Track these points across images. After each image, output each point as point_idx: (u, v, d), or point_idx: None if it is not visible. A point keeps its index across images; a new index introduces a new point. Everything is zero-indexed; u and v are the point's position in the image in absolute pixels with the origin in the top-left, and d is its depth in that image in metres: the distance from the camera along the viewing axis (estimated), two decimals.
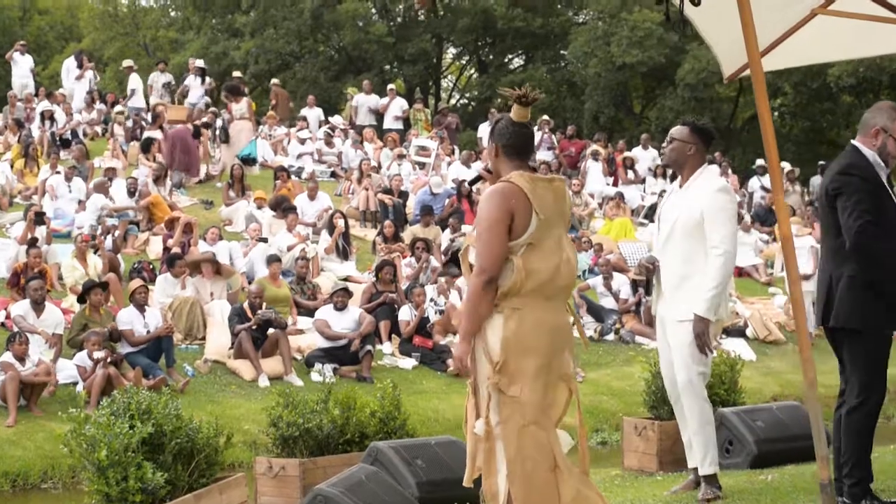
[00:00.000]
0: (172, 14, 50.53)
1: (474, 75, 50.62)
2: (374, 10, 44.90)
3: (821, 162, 30.86)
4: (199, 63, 31.37)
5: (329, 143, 28.11)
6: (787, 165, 29.16)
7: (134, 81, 29.56)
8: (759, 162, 29.73)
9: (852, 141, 6.90)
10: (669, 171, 27.53)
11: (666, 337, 7.65)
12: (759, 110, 6.97)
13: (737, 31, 7.61)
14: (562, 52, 44.53)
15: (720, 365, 10.42)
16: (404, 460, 7.87)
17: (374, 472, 7.34)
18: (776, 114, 43.06)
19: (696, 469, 7.69)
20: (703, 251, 7.37)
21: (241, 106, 24.44)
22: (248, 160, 24.57)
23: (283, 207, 20.87)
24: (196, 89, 29.86)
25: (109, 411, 6.92)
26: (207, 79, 30.31)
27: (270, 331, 15.99)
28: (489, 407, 5.71)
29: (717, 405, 9.60)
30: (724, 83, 8.69)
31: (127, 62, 31.68)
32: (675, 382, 7.62)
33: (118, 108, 28.57)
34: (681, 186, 7.68)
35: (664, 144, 7.84)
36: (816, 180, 29.09)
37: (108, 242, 18.58)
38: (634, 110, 44.61)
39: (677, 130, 7.71)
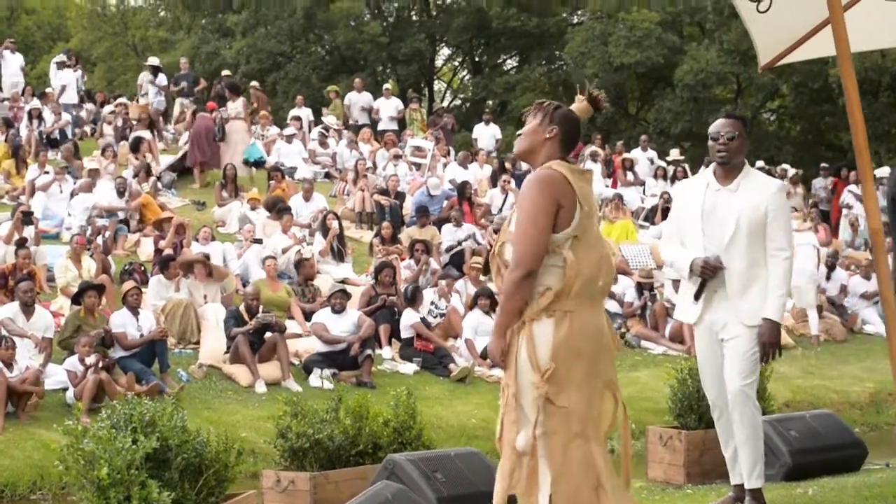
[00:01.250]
0: (162, 14, 49.95)
1: (467, 76, 50.17)
2: (366, 10, 44.37)
3: (823, 164, 30.43)
4: (153, 61, 30.82)
5: (323, 144, 27.61)
6: (787, 167, 28.77)
7: (64, 77, 28.70)
8: (759, 164, 29.25)
9: None
10: (671, 173, 27.20)
11: (714, 345, 7.16)
12: (849, 109, 6.78)
13: (780, 19, 7.16)
14: (557, 52, 44.09)
15: None
16: (423, 474, 7.32)
17: (400, 490, 6.79)
18: (773, 116, 42.74)
19: (738, 486, 7.20)
20: (765, 253, 7.03)
21: (237, 105, 23.88)
22: (258, 163, 24.01)
23: (278, 208, 20.33)
24: (150, 87, 29.38)
25: (109, 423, 6.30)
26: (161, 75, 29.71)
27: (267, 335, 15.45)
28: (538, 419, 5.31)
29: None
30: (759, 72, 8.18)
31: (59, 57, 30.76)
32: (723, 393, 7.14)
33: (108, 108, 28.11)
34: (722, 184, 7.17)
35: (717, 141, 7.20)
36: (819, 182, 28.70)
37: (99, 243, 17.99)
38: (630, 111, 44.14)
39: (736, 125, 7.25)
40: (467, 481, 7.60)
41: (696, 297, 7.12)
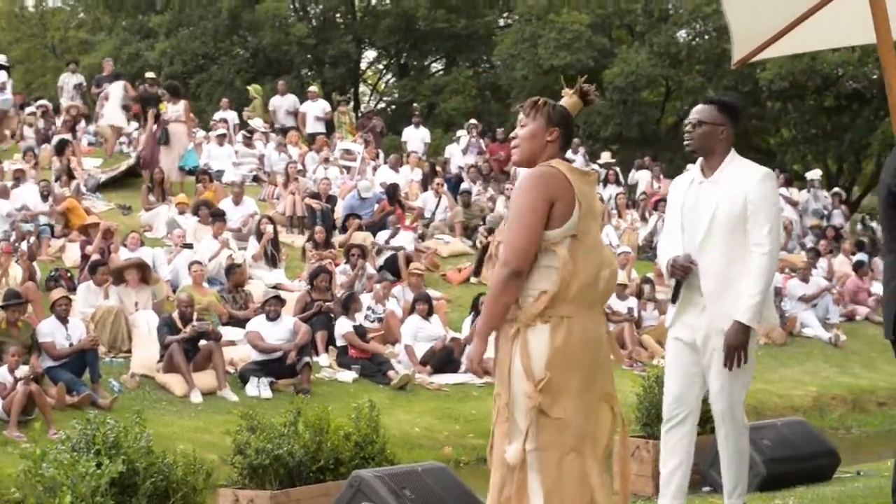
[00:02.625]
0: (82, 15, 49.01)
1: (391, 79, 49.77)
2: (291, 12, 43.82)
3: None
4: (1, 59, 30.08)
5: (249, 146, 27.08)
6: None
7: None
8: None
9: None
10: (602, 176, 26.98)
11: (685, 352, 6.60)
12: (891, 105, 6.49)
13: (761, 16, 6.86)
14: (484, 55, 43.82)
15: None
16: (392, 491, 6.87)
17: None
18: None
19: None
20: (745, 250, 6.43)
21: (178, 108, 23.23)
22: (194, 171, 23.34)
23: (211, 213, 19.77)
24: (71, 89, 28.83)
25: (70, 446, 5.79)
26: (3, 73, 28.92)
27: (202, 343, 14.93)
28: (528, 431, 4.98)
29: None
30: (733, 68, 7.83)
31: None
32: (683, 404, 6.60)
33: (29, 109, 27.39)
34: (706, 176, 6.61)
35: (687, 128, 6.76)
36: None
37: (24, 249, 17.36)
38: None
39: (704, 111, 6.66)
40: (437, 497, 7.17)
41: (673, 299, 6.69)
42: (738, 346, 6.33)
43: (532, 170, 5.15)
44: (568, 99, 5.30)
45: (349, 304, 16.57)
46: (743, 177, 6.48)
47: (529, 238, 5.00)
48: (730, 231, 6.44)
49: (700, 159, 6.70)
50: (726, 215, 6.44)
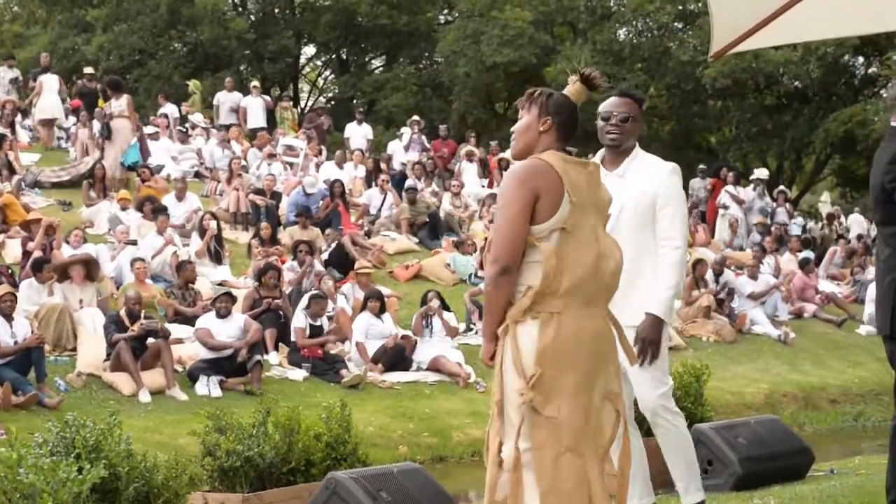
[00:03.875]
0: (15, 8, 48.23)
1: (330, 75, 49.42)
2: (230, 6, 43.42)
3: (702, 166, 30.28)
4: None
5: (185, 141, 26.70)
6: None
7: None
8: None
9: (892, 122, 5.90)
10: None
11: None
12: None
13: (744, 5, 6.71)
14: (426, 52, 43.62)
15: (684, 376, 9.44)
16: (368, 493, 6.63)
17: None
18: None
19: None
20: (654, 245, 6.32)
21: (121, 102, 22.77)
22: (135, 167, 22.84)
23: (154, 208, 19.40)
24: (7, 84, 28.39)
25: (48, 450, 5.47)
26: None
27: (150, 341, 14.58)
28: (520, 429, 4.80)
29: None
30: (710, 60, 7.64)
31: None
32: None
33: None
34: (608, 169, 6.36)
35: (608, 122, 6.48)
36: (697, 183, 28.57)
37: None
38: (498, 111, 43.83)
39: (628, 106, 6.44)
40: (412, 499, 6.95)
41: None
42: (652, 339, 6.22)
43: (517, 163, 5.00)
44: (570, 87, 5.11)
45: (311, 306, 16.26)
46: (650, 172, 6.38)
47: (514, 234, 4.84)
48: (638, 226, 6.31)
49: (603, 152, 6.52)
50: (633, 209, 6.30)
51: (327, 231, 20.63)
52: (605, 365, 4.95)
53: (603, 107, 6.49)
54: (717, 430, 8.68)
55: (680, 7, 38.20)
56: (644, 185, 6.29)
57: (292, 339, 16.27)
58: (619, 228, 6.15)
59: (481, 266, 19.47)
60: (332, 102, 45.29)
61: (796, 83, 36.83)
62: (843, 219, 31.54)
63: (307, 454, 7.90)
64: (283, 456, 7.78)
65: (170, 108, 29.08)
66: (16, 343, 13.61)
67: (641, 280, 6.22)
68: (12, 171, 21.81)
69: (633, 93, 6.65)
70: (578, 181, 4.91)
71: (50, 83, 27.51)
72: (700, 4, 38.64)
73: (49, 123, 27.44)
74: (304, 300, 16.52)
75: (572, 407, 4.80)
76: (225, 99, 29.40)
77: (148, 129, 26.25)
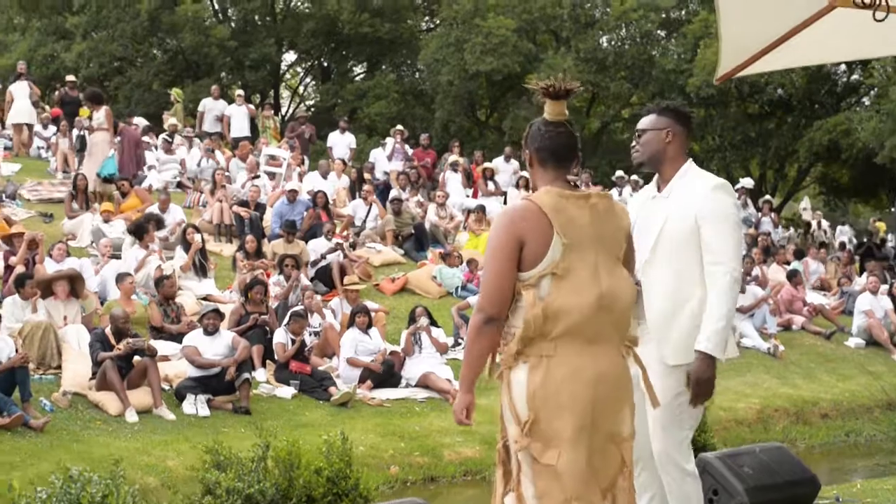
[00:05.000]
0: None
1: (311, 83, 49.16)
2: (211, 13, 43.14)
3: None
4: None
5: (168, 151, 26.42)
6: (635, 177, 28.56)
7: None
8: (619, 173, 28.99)
9: None
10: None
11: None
12: None
13: (754, 28, 6.56)
14: (408, 59, 43.42)
15: None
16: None
17: None
18: (621, 125, 42.61)
19: None
20: (699, 272, 5.75)
21: (100, 115, 22.48)
22: (110, 179, 22.50)
23: (143, 220, 19.15)
24: None
25: None
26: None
27: (136, 359, 14.32)
28: (520, 477, 4.72)
29: None
30: (716, 83, 7.46)
31: None
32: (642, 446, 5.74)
33: None
34: (659, 190, 6.03)
35: (633, 143, 6.26)
36: None
37: None
38: (480, 119, 43.65)
39: (645, 120, 6.09)
40: None
41: None
42: (706, 379, 5.68)
43: (505, 207, 4.93)
44: (546, 108, 4.98)
45: (291, 323, 16.03)
46: (693, 190, 5.89)
47: (498, 283, 4.75)
48: (677, 251, 5.81)
49: (657, 174, 6.14)
50: (672, 232, 5.84)
51: (312, 242, 20.40)
52: (612, 407, 4.78)
53: None
54: (722, 459, 8.47)
55: (663, 15, 38.13)
56: (684, 206, 5.83)
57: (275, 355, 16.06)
58: (658, 256, 5.83)
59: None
60: (314, 110, 45.07)
61: (780, 92, 36.76)
62: (824, 225, 31.52)
63: (308, 490, 7.70)
64: (284, 492, 7.58)
65: (138, 120, 28.81)
66: None
67: (684, 312, 5.74)
68: None
69: (662, 105, 6.24)
70: (576, 218, 4.77)
71: (20, 90, 27.26)
72: (683, 13, 38.62)
73: (20, 128, 27.18)
74: (287, 316, 16.32)
75: (572, 452, 4.67)
76: (211, 107, 29.20)
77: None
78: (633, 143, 6.14)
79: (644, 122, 6.11)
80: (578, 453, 4.66)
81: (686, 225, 5.80)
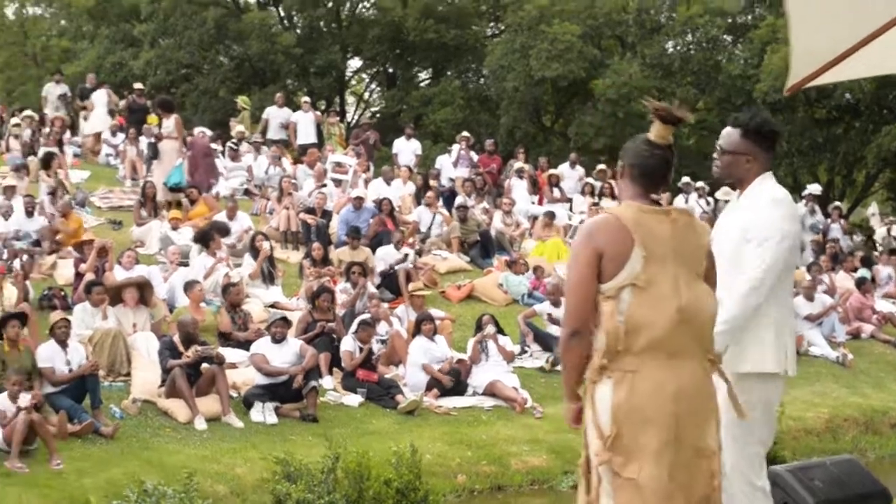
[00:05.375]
0: (63, 23, 48.33)
1: (377, 89, 49.27)
2: (277, 21, 43.37)
3: None
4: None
5: (234, 158, 26.56)
6: (701, 183, 28.39)
7: None
8: (685, 179, 28.80)
9: None
10: (598, 189, 26.57)
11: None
12: None
13: (825, 36, 6.46)
14: (473, 65, 43.41)
15: None
16: None
17: None
18: (687, 130, 42.33)
19: None
20: None
21: (170, 123, 22.64)
22: (177, 188, 22.64)
23: (209, 228, 19.26)
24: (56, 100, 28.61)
25: None
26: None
27: (204, 366, 14.40)
28: (600, 490, 4.71)
29: None
30: (786, 94, 7.37)
31: None
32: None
33: (15, 120, 26.88)
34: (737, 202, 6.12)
35: (715, 154, 6.25)
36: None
37: (18, 268, 16.78)
38: (545, 125, 43.56)
39: (727, 138, 6.06)
40: None
41: None
42: None
43: (586, 221, 4.97)
44: (652, 127, 4.96)
45: (359, 331, 16.07)
46: (752, 203, 5.93)
47: (580, 296, 4.80)
48: (729, 260, 5.78)
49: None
50: (726, 242, 5.86)
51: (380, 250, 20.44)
52: (696, 420, 4.77)
53: None
54: (792, 473, 8.39)
55: (730, 20, 37.86)
56: (739, 219, 5.91)
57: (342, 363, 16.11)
58: (720, 264, 5.58)
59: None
60: (379, 116, 45.18)
61: (848, 96, 36.38)
62: (894, 231, 31.12)
63: (378, 501, 7.73)
64: (354, 503, 7.60)
65: (202, 129, 29.02)
66: (70, 370, 13.48)
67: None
68: (67, 191, 21.73)
69: (742, 121, 6.15)
70: (658, 232, 4.79)
71: (99, 99, 27.61)
72: (749, 18, 38.33)
73: (99, 137, 27.58)
74: (355, 324, 16.36)
75: (655, 467, 4.66)
76: (275, 114, 29.31)
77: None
78: (715, 156, 6.16)
79: (727, 141, 6.10)
80: (661, 468, 4.66)
81: (732, 239, 5.88)
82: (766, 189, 6.01)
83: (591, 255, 4.74)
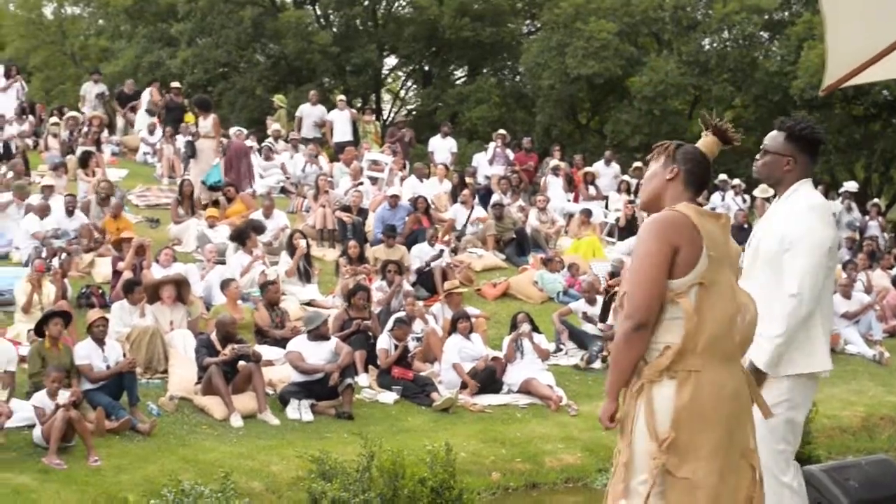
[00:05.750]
0: (101, 22, 48.61)
1: (412, 87, 49.32)
2: (313, 19, 43.47)
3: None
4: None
5: (269, 157, 26.67)
6: (726, 178, 28.36)
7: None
8: (722, 176, 28.75)
9: None
10: (633, 186, 26.52)
11: None
12: None
13: (861, 35, 6.47)
14: (509, 62, 43.39)
15: None
16: None
17: None
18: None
19: None
20: (780, 289, 5.87)
21: (207, 123, 22.76)
22: (216, 188, 22.73)
23: (246, 226, 19.37)
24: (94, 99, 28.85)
25: None
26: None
27: (241, 364, 14.49)
28: (650, 494, 4.70)
29: None
30: (821, 94, 7.39)
31: None
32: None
33: (53, 119, 27.10)
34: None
35: (757, 155, 6.33)
36: None
37: (57, 267, 16.91)
38: (581, 122, 43.52)
39: (772, 139, 6.18)
40: None
41: None
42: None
43: (653, 215, 4.92)
44: (703, 139, 5.10)
45: (395, 329, 16.14)
46: (789, 209, 6.03)
47: (650, 290, 4.76)
48: (769, 268, 5.95)
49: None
50: (765, 250, 6.01)
51: (415, 248, 20.51)
52: (742, 422, 4.86)
53: None
54: (827, 473, 8.38)
55: (766, 17, 37.71)
56: (775, 226, 6.00)
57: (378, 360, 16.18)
58: (752, 269, 6.00)
59: (602, 318, 18.72)
60: (415, 114, 45.25)
61: (885, 93, 36.19)
62: None
63: (413, 500, 7.78)
64: (389, 502, 7.66)
65: (237, 129, 29.20)
66: (108, 367, 13.59)
67: (762, 326, 5.46)
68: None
69: (786, 124, 6.29)
70: (714, 234, 4.86)
71: (144, 98, 27.95)
72: (786, 14, 38.16)
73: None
74: (391, 322, 16.42)
75: (708, 468, 4.71)
76: (309, 112, 29.44)
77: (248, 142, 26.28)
78: (758, 157, 6.25)
79: (770, 143, 6.20)
80: (714, 468, 4.71)
81: (769, 248, 5.98)
82: (803, 195, 6.10)
83: (666, 249, 4.78)
